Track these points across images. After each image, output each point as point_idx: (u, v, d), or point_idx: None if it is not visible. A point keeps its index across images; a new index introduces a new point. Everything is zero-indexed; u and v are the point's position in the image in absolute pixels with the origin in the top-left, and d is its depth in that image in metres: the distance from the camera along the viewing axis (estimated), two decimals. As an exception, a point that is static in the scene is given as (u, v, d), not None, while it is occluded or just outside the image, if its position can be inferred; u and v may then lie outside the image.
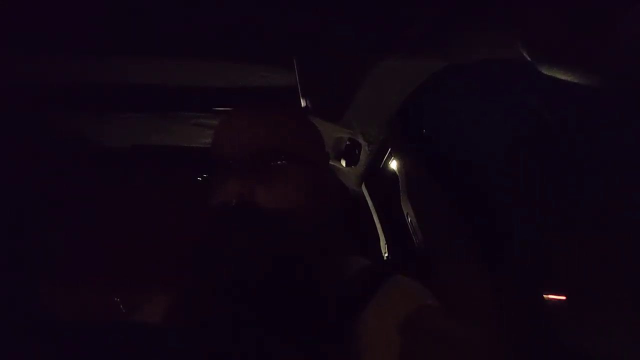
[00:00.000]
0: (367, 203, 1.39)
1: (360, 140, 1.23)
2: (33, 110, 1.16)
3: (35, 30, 0.87)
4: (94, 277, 1.01)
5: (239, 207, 0.58)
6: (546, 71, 0.55)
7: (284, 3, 0.79)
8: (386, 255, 1.33)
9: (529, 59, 0.56)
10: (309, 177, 0.63)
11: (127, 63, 1.03)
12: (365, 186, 1.38)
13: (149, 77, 1.09)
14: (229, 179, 0.59)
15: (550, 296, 0.89)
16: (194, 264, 0.60)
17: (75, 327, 0.57)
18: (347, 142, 1.29)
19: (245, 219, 0.58)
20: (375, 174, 1.33)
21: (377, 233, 1.37)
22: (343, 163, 1.33)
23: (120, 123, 1.26)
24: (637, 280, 0.78)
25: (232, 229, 0.57)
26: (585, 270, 0.87)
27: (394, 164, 1.21)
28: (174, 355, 0.53)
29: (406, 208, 1.11)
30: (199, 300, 0.58)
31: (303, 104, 1.11)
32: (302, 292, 0.56)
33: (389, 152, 1.24)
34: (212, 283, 0.57)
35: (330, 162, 1.37)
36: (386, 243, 1.33)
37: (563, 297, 0.91)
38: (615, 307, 0.82)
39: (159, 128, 1.30)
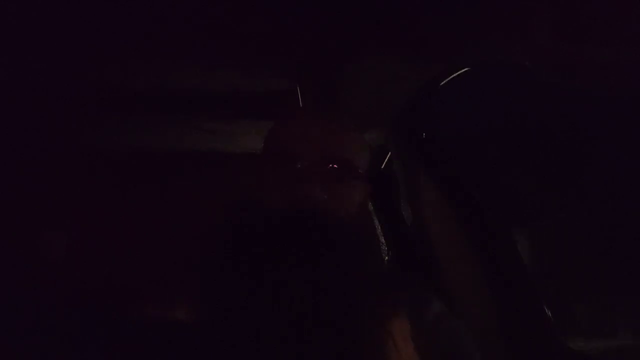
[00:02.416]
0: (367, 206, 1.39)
1: (360, 143, 1.23)
2: (34, 111, 1.16)
3: (37, 29, 0.87)
4: (101, 279, 1.01)
5: (307, 209, 0.61)
6: (545, 74, 0.55)
7: (283, 5, 0.79)
8: (386, 258, 1.33)
9: (528, 62, 0.57)
10: (360, 190, 0.69)
11: (127, 65, 1.03)
12: (365, 189, 1.38)
13: (149, 80, 1.09)
14: (303, 181, 0.62)
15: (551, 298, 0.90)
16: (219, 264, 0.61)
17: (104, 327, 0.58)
18: (347, 145, 1.28)
19: (310, 220, 0.60)
20: (375, 177, 1.33)
21: (377, 236, 1.37)
22: (343, 166, 1.33)
23: (119, 125, 1.26)
24: (637, 280, 0.78)
25: (295, 227, 0.59)
26: (585, 270, 0.88)
27: (394, 167, 1.21)
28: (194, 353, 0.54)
29: (406, 211, 1.11)
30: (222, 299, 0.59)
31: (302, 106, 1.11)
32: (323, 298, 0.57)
33: (389, 156, 1.24)
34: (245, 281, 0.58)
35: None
36: (386, 246, 1.33)
37: (563, 299, 0.91)
38: (615, 308, 0.82)
39: (159, 131, 1.30)
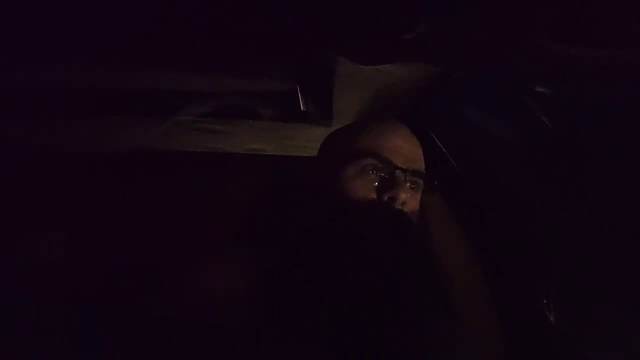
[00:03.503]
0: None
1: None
2: (34, 111, 1.16)
3: (37, 29, 0.87)
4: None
5: (395, 210, 0.66)
6: (545, 77, 0.55)
7: (283, 5, 0.79)
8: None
9: (528, 62, 0.57)
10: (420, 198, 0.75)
11: (126, 67, 1.03)
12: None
13: (148, 82, 1.09)
14: (401, 185, 0.68)
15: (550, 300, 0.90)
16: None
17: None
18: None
19: (394, 221, 0.66)
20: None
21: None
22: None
23: (119, 125, 1.26)
24: (637, 281, 0.78)
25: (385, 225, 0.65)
26: (586, 270, 0.88)
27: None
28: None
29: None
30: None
31: (303, 109, 1.11)
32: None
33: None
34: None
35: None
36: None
37: (562, 300, 0.91)
38: (615, 309, 0.82)
39: (159, 131, 1.29)
